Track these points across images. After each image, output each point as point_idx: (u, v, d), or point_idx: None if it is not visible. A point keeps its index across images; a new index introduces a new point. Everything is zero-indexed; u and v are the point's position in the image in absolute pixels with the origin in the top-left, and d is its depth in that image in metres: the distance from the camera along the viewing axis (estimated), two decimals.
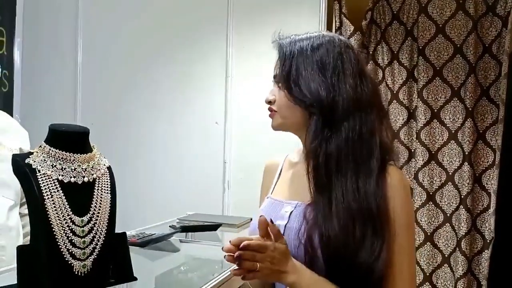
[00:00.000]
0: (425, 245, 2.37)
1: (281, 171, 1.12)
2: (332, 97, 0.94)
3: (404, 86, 2.42)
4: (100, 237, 0.98)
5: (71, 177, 0.96)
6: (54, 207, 0.92)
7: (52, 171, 0.94)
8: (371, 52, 2.48)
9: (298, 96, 0.97)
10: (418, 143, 2.38)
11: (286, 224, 0.97)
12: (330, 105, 0.94)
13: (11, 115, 2.93)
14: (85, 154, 0.99)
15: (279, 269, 0.86)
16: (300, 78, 0.97)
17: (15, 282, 0.92)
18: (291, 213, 0.98)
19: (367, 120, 0.95)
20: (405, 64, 2.42)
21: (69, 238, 0.93)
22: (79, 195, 0.97)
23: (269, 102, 1.04)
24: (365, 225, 0.88)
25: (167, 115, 2.87)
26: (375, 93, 1.00)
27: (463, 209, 2.28)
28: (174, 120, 2.85)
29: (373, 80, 1.04)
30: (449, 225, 2.35)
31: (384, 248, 0.88)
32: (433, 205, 2.37)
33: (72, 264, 0.93)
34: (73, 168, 0.97)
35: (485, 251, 2.29)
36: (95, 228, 0.98)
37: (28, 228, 1.47)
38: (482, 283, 2.29)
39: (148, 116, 2.91)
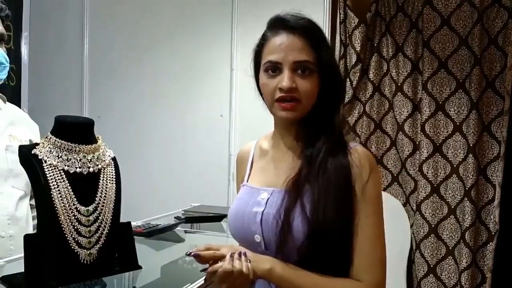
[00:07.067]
0: (429, 237, 2.38)
1: (253, 158, 1.12)
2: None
3: (409, 78, 2.42)
4: (105, 226, 1.00)
5: (76, 168, 0.98)
6: (60, 196, 0.94)
7: (58, 162, 0.96)
8: (375, 45, 2.48)
9: (332, 88, 1.00)
10: (423, 135, 2.37)
11: (263, 210, 0.96)
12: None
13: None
14: (90, 145, 1.01)
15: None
16: (333, 68, 1.01)
17: (23, 270, 0.95)
18: (267, 200, 0.97)
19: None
20: (409, 56, 2.41)
21: (75, 227, 0.95)
22: (85, 185, 0.99)
23: (291, 90, 0.94)
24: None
25: (172, 108, 2.88)
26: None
27: (468, 201, 2.28)
28: (179, 113, 2.87)
29: None
30: (453, 217, 2.35)
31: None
32: (437, 197, 2.37)
33: (78, 253, 0.96)
34: (78, 158, 0.99)
35: (490, 243, 2.29)
36: (100, 218, 1.00)
37: None
38: (486, 275, 2.29)
39: (153, 109, 2.93)
